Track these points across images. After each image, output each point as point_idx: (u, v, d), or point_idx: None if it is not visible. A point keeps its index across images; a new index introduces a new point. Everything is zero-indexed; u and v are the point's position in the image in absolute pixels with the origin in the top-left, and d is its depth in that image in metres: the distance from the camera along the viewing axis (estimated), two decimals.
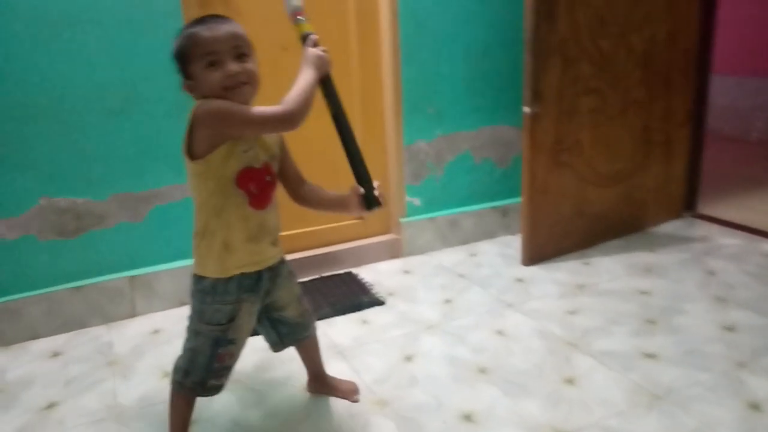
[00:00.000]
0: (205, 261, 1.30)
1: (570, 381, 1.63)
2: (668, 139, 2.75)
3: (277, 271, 1.39)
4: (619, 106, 2.54)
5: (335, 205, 1.42)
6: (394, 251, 2.59)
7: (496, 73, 2.60)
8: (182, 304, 2.18)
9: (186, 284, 2.16)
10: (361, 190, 1.33)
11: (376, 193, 1.33)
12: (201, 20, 1.22)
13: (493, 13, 2.53)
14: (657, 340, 1.81)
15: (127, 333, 2.04)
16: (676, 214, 2.87)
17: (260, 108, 1.19)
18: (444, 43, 2.47)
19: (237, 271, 1.29)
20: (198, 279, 1.31)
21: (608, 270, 2.33)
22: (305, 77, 1.23)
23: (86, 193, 2.01)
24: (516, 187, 2.65)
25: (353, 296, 2.21)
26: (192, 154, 1.22)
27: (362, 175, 1.33)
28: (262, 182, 1.29)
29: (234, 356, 1.36)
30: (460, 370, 1.70)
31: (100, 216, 2.05)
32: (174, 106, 2.03)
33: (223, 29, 1.19)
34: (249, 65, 1.22)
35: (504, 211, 2.76)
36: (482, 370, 1.69)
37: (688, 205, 2.91)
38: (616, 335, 1.85)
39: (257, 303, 1.36)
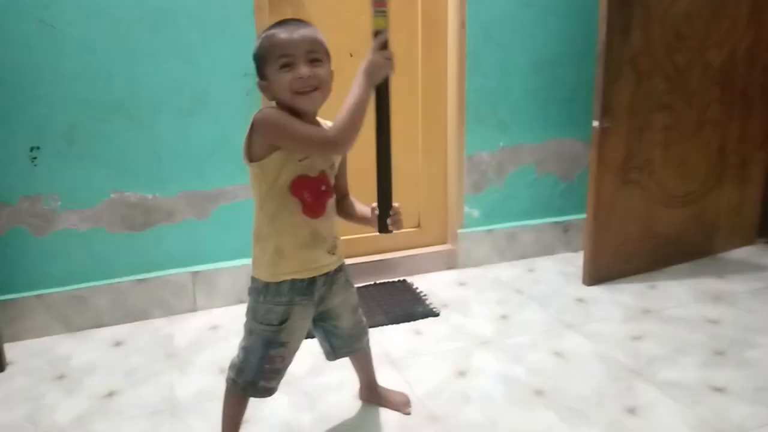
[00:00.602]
0: (258, 263, 1.31)
1: (632, 411, 1.56)
2: (744, 161, 2.62)
3: (333, 278, 1.37)
4: (693, 125, 2.43)
5: (362, 220, 1.42)
6: (450, 262, 2.56)
7: (565, 86, 2.54)
8: (241, 301, 2.22)
9: (245, 282, 2.20)
10: (377, 212, 1.34)
11: (389, 220, 1.33)
12: (282, 23, 1.23)
13: (563, 24, 2.47)
14: (726, 373, 1.72)
15: (187, 327, 2.08)
16: (749, 240, 2.73)
17: (311, 130, 1.22)
18: (511, 54, 2.43)
19: (288, 277, 1.29)
20: (253, 278, 1.33)
21: (675, 295, 2.23)
22: (359, 90, 1.21)
23: (156, 189, 2.08)
24: (579, 203, 2.57)
25: (407, 305, 2.20)
26: (250, 156, 1.24)
27: (383, 198, 1.33)
28: (317, 191, 1.28)
29: (285, 359, 1.35)
30: (515, 390, 1.66)
31: (167, 212, 2.10)
32: (241, 110, 2.07)
33: (300, 33, 1.20)
34: (320, 70, 1.21)
35: (565, 228, 2.69)
36: (539, 393, 1.64)
37: (762, 231, 2.76)
38: (682, 365, 1.76)
39: (311, 307, 1.34)
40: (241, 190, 2.15)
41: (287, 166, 1.23)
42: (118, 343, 1.99)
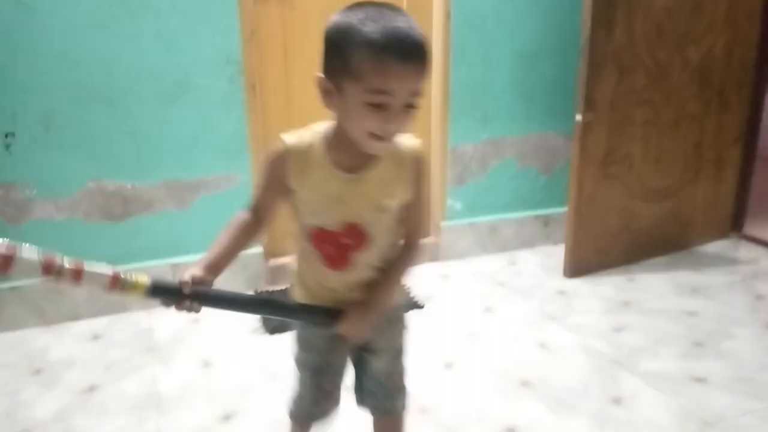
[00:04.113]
0: (294, 288, 1.13)
1: (617, 401, 1.58)
2: (719, 156, 2.68)
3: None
4: (672, 120, 2.47)
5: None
6: (432, 254, 2.56)
7: (548, 80, 2.55)
8: None
9: (225, 274, 2.16)
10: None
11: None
12: (390, 28, 0.85)
13: (548, 18, 2.48)
14: (706, 364, 1.76)
15: (168, 320, 2.04)
16: (723, 234, 2.80)
17: None
18: (496, 46, 2.43)
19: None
20: None
21: (654, 288, 2.27)
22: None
23: (135, 178, 2.02)
24: (559, 197, 2.60)
25: None
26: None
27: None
28: (339, 245, 1.01)
29: (333, 385, 1.16)
30: (502, 381, 1.67)
31: (147, 202, 2.06)
32: (223, 97, 2.04)
33: (413, 62, 0.86)
34: (408, 120, 0.91)
35: (546, 221, 2.71)
36: (525, 384, 1.66)
37: (735, 225, 2.82)
38: (663, 356, 1.80)
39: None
40: (223, 180, 2.11)
41: (302, 214, 1.02)
42: (96, 337, 1.94)
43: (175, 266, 2.12)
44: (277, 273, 2.30)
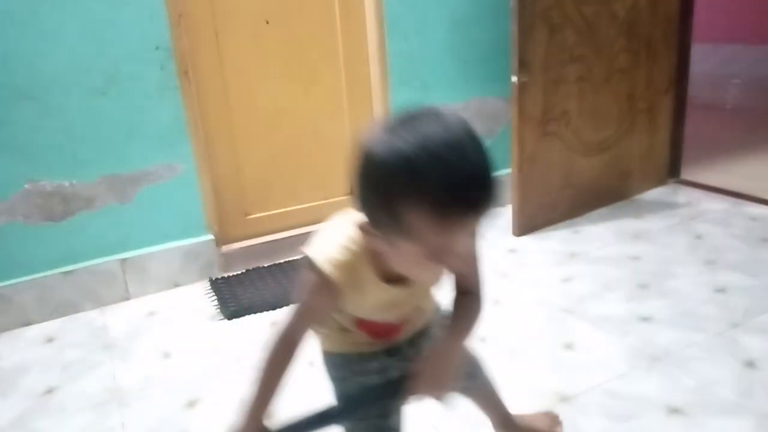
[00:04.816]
0: (325, 341, 1.02)
1: (569, 346, 1.65)
2: (651, 107, 2.78)
3: (419, 333, 1.05)
4: (604, 75, 2.54)
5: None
6: None
7: (484, 44, 2.58)
8: (176, 285, 2.16)
9: (178, 265, 2.15)
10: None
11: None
12: (458, 169, 0.67)
13: None
14: (651, 303, 1.85)
15: (122, 316, 2.01)
16: (660, 181, 2.91)
17: None
18: (429, 16, 2.44)
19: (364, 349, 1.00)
20: (326, 355, 1.03)
21: (598, 238, 2.36)
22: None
23: (73, 175, 1.97)
24: (503, 159, 2.64)
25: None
26: None
27: None
28: (389, 328, 0.98)
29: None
30: None
31: (88, 199, 2.01)
32: (156, 85, 1.99)
33: (481, 211, 0.71)
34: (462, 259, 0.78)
35: None
36: (482, 339, 1.71)
37: (672, 171, 2.94)
38: (610, 300, 1.88)
39: (402, 362, 1.00)
40: (164, 169, 2.08)
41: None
42: (50, 339, 1.90)
43: (124, 261, 2.08)
44: (230, 259, 2.29)
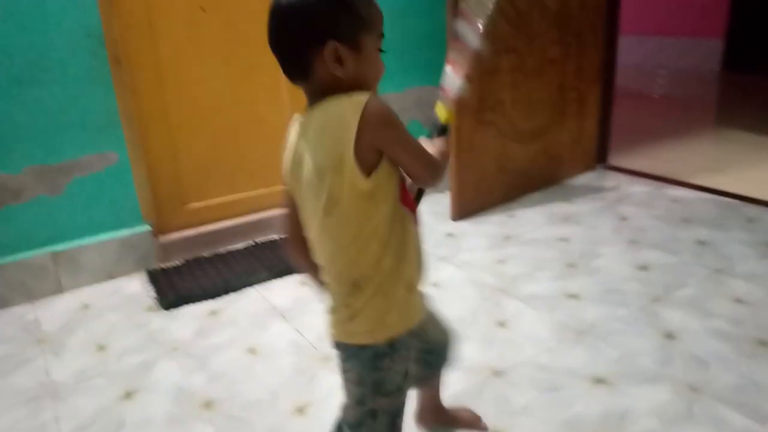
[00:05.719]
0: (380, 320, 0.94)
1: (502, 324, 1.73)
2: (581, 96, 2.90)
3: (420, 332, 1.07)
4: (536, 65, 2.64)
5: None
6: None
7: (419, 35, 2.63)
8: (110, 277, 2.12)
9: (113, 257, 2.10)
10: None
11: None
12: None
13: None
14: (578, 281, 1.94)
15: (55, 310, 1.96)
16: (589, 167, 3.05)
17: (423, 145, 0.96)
18: None
19: (420, 315, 1.00)
20: (366, 346, 0.96)
21: (531, 221, 2.46)
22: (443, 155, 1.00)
23: None
24: None
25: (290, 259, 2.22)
26: (362, 166, 0.86)
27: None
28: (410, 198, 1.00)
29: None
30: None
31: (14, 190, 1.94)
32: (87, 72, 1.94)
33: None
34: None
35: None
36: None
37: (600, 157, 3.09)
38: (541, 280, 1.97)
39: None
40: (96, 160, 2.03)
41: (396, 168, 0.92)
42: None
43: (55, 254, 2.03)
44: (168, 250, 2.25)
